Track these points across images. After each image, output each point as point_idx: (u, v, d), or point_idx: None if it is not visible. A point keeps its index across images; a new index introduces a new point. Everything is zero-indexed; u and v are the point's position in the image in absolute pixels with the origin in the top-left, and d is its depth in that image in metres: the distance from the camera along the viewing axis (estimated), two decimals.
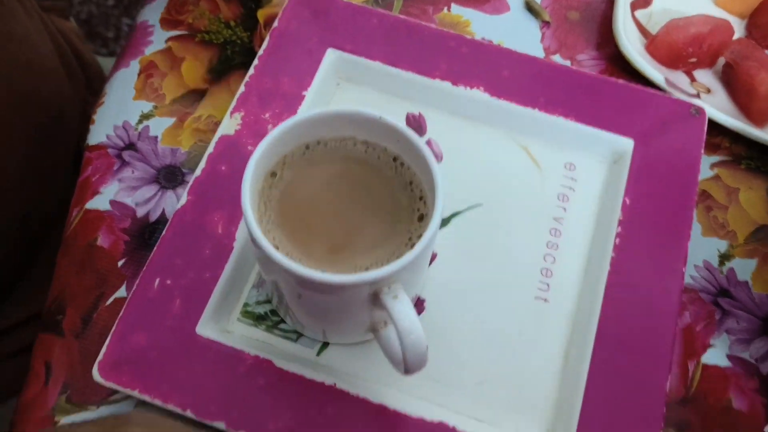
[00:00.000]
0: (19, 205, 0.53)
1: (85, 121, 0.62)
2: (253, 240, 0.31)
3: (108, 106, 0.45)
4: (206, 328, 0.36)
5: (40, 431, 0.34)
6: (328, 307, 0.33)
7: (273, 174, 0.34)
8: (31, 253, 0.57)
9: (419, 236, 0.33)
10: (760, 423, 0.36)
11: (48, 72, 0.55)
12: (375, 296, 0.31)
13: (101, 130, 0.44)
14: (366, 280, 0.30)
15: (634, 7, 0.48)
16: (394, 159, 0.35)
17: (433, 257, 0.40)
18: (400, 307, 0.30)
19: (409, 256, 0.30)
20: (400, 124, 0.34)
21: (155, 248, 0.38)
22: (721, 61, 0.46)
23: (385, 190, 0.34)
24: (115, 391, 0.36)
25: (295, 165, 0.35)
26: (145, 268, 0.37)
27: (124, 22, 1.31)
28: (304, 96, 0.43)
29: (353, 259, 0.33)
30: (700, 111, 0.43)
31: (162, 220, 0.41)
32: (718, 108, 0.44)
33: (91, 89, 0.65)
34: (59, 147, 0.58)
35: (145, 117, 0.44)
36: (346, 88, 0.45)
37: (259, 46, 0.47)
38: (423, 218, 0.33)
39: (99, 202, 0.41)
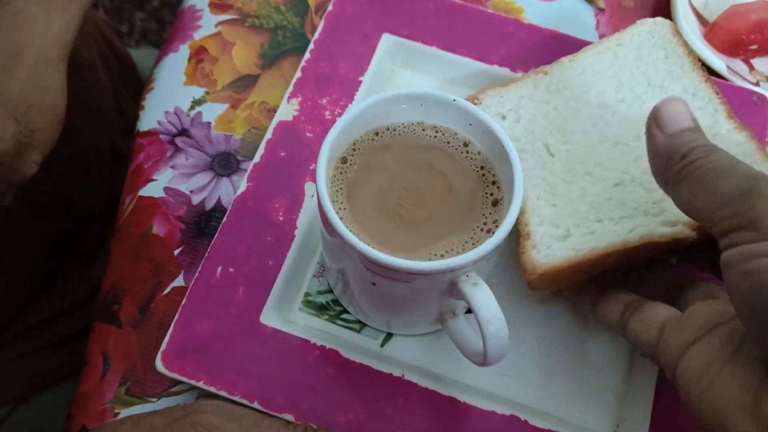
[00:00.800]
0: (58, 196, 0.53)
1: (121, 113, 0.61)
2: (331, 227, 0.30)
3: (158, 92, 0.44)
4: (270, 318, 0.36)
5: (105, 424, 0.33)
6: (403, 295, 0.32)
7: (344, 160, 0.33)
8: (71, 244, 0.56)
9: (495, 221, 0.32)
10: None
11: (83, 64, 0.54)
12: (452, 284, 0.30)
13: (152, 116, 0.43)
14: (448, 266, 0.29)
15: None
16: (465, 144, 0.34)
17: None
18: (481, 294, 0.30)
19: (490, 243, 0.29)
20: (475, 107, 0.33)
21: (217, 235, 0.37)
22: None
23: (456, 175, 0.33)
24: (177, 383, 0.35)
25: (365, 151, 0.34)
26: (206, 255, 0.36)
27: (137, 17, 1.30)
28: (360, 81, 0.42)
29: (428, 246, 0.32)
30: (762, 99, 0.42)
31: (218, 207, 0.40)
32: None
33: (123, 79, 0.65)
34: (96, 138, 0.57)
35: (197, 103, 0.43)
36: (401, 73, 0.44)
37: (311, 32, 0.46)
38: (497, 203, 0.32)
39: (153, 189, 0.40)
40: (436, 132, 0.34)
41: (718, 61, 0.44)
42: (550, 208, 0.35)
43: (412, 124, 0.34)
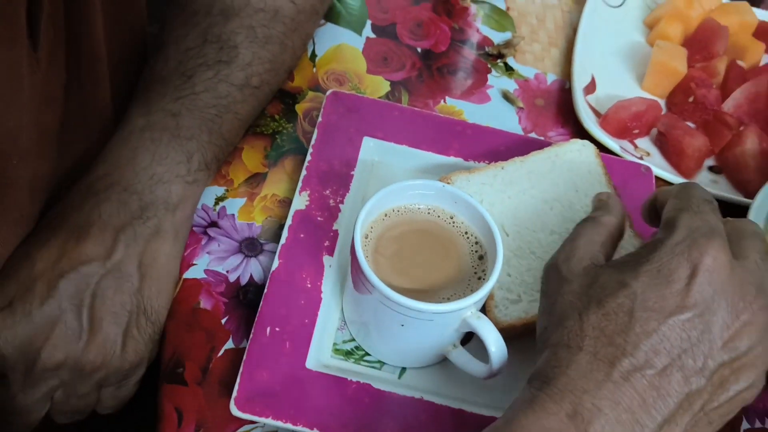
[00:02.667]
0: None
1: None
2: (372, 286, 0.41)
3: None
4: (312, 363, 0.45)
5: None
6: (424, 332, 0.43)
7: (366, 236, 0.44)
8: None
9: (483, 271, 0.44)
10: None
11: None
12: (462, 319, 0.42)
13: None
14: (461, 306, 0.41)
15: (585, 93, 0.62)
16: (451, 217, 0.46)
17: None
18: (485, 324, 0.41)
19: (487, 286, 0.41)
20: (458, 190, 0.45)
21: (262, 303, 0.46)
22: (654, 131, 0.61)
23: (448, 240, 0.45)
24: (243, 423, 0.44)
25: (379, 228, 0.45)
26: (257, 319, 0.46)
27: None
28: (352, 175, 0.53)
29: (438, 294, 0.43)
30: (647, 169, 0.57)
31: (251, 282, 0.50)
32: (657, 165, 0.59)
33: None
34: None
35: (220, 199, 0.53)
36: (380, 166, 0.55)
37: (302, 134, 0.57)
38: (483, 258, 0.44)
39: (195, 272, 0.49)
40: (429, 209, 0.46)
41: (612, 143, 0.59)
42: (506, 277, 0.48)
43: (411, 205, 0.46)
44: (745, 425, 0.49)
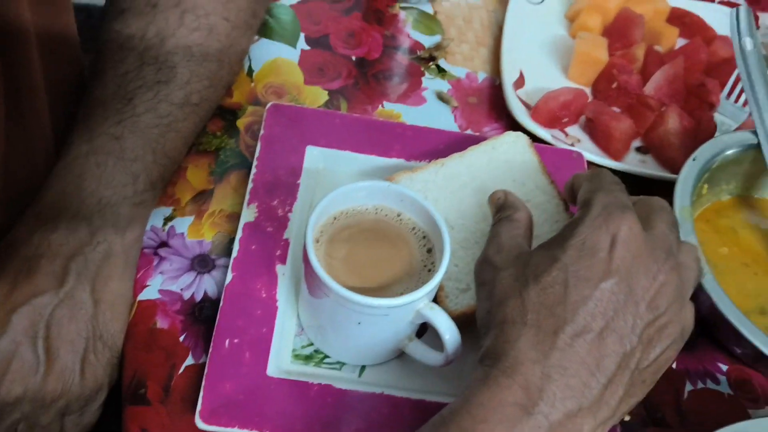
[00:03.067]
0: None
1: None
2: (327, 288, 0.42)
3: None
4: (273, 371, 0.46)
5: None
6: (380, 328, 0.44)
7: (317, 240, 0.45)
8: None
9: (432, 263, 0.45)
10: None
11: None
12: (416, 311, 0.43)
13: None
14: (414, 298, 0.42)
15: (514, 87, 0.65)
16: (398, 215, 0.47)
17: None
18: (439, 313, 0.43)
19: (437, 277, 0.43)
20: (403, 188, 0.47)
21: (218, 316, 0.47)
22: (582, 118, 0.64)
23: (397, 237, 0.47)
24: None
25: (329, 231, 0.46)
26: (215, 332, 0.46)
27: None
28: (298, 184, 0.54)
29: (390, 290, 0.44)
30: (578, 154, 0.60)
31: (206, 298, 0.50)
32: (588, 150, 0.62)
33: None
34: None
35: (168, 219, 0.53)
36: (326, 173, 0.57)
37: (245, 149, 0.58)
38: (431, 251, 0.46)
39: (149, 293, 0.50)
40: (377, 209, 0.48)
41: (543, 132, 0.61)
42: (454, 268, 0.50)
43: (359, 207, 0.47)
44: (688, 387, 0.52)
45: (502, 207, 0.46)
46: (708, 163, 0.55)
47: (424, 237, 0.47)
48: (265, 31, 0.66)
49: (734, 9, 0.60)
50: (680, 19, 0.73)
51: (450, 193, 0.53)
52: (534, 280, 0.39)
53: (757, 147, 0.57)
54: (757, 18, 0.82)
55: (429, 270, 0.45)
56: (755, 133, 0.57)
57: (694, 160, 0.55)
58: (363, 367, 0.48)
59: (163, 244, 0.52)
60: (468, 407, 0.36)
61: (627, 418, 0.46)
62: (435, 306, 0.43)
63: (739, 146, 0.57)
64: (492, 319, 0.40)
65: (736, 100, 0.67)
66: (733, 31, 0.60)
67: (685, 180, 0.53)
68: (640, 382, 0.39)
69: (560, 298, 0.38)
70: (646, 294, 0.38)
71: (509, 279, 0.40)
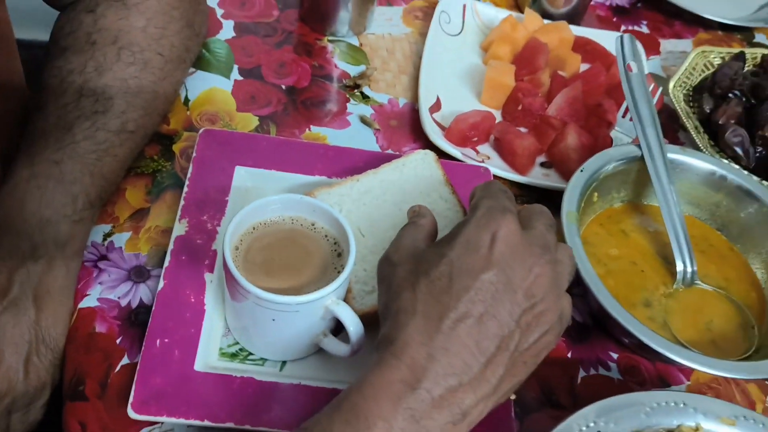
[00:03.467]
0: None
1: None
2: (244, 290, 0.47)
3: None
4: (200, 366, 0.51)
5: None
6: (294, 324, 0.50)
7: (236, 248, 0.51)
8: None
9: (341, 265, 0.51)
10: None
11: None
12: (325, 307, 0.49)
13: None
14: (321, 295, 0.47)
15: (431, 111, 0.71)
16: (312, 224, 0.53)
17: None
18: (344, 308, 0.48)
19: (342, 276, 0.48)
20: (316, 200, 0.53)
21: (151, 319, 0.52)
22: (492, 138, 0.71)
23: (311, 244, 0.52)
24: (142, 427, 0.49)
25: (248, 240, 0.52)
26: (147, 332, 0.51)
27: None
28: (227, 201, 0.60)
29: (304, 290, 0.50)
30: (486, 170, 0.66)
31: (141, 305, 0.55)
32: (496, 166, 0.68)
33: None
34: None
35: (107, 235, 0.58)
36: (253, 190, 0.62)
37: (180, 170, 0.63)
38: (341, 255, 0.52)
39: (89, 301, 0.54)
40: (293, 220, 0.53)
41: (455, 151, 0.68)
42: (362, 272, 0.55)
43: (276, 218, 0.53)
44: (582, 373, 0.58)
45: (413, 215, 0.51)
46: (595, 174, 0.62)
47: (335, 243, 0.52)
48: (201, 63, 0.72)
49: (618, 36, 0.68)
50: (583, 47, 0.81)
51: (363, 205, 0.59)
52: (424, 273, 0.44)
53: (642, 159, 0.64)
54: (658, 44, 0.91)
55: (338, 272, 0.51)
56: (639, 146, 0.64)
57: (582, 171, 0.61)
58: (284, 363, 0.54)
59: (103, 257, 0.57)
60: (359, 386, 0.42)
61: (513, 397, 0.52)
62: (341, 302, 0.49)
63: (624, 158, 0.64)
64: (389, 310, 0.45)
65: (632, 119, 0.74)
66: (619, 55, 0.67)
67: (572, 188, 0.60)
68: (522, 363, 0.45)
69: (446, 288, 0.43)
70: (522, 283, 0.44)
71: (404, 273, 0.45)
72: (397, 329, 0.43)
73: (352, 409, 0.40)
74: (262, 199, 0.52)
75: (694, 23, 0.94)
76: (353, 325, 0.48)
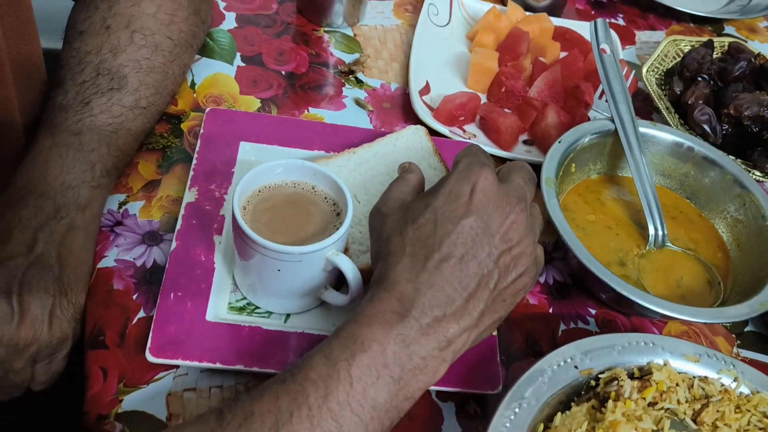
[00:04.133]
0: None
1: None
2: (253, 242, 0.52)
3: None
4: (211, 317, 0.55)
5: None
6: (298, 273, 0.54)
7: (244, 208, 0.56)
8: None
9: (340, 223, 0.56)
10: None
11: None
12: (326, 259, 0.53)
13: None
14: (322, 246, 0.52)
15: (421, 94, 0.77)
16: (313, 187, 0.58)
17: None
18: (343, 258, 0.53)
19: (341, 231, 0.53)
20: (316, 164, 0.58)
21: (165, 275, 0.56)
22: (478, 117, 0.76)
23: (312, 204, 0.57)
24: (159, 371, 0.53)
25: (254, 201, 0.56)
26: (162, 287, 0.56)
27: None
28: (233, 172, 0.65)
29: (308, 242, 0.54)
30: (472, 144, 0.71)
31: (155, 265, 0.60)
32: (482, 143, 0.73)
33: None
34: None
35: (122, 204, 0.63)
36: (257, 163, 0.67)
37: (188, 146, 0.68)
38: (339, 214, 0.57)
39: (107, 262, 0.59)
40: (295, 184, 0.58)
41: (443, 129, 0.73)
42: (358, 234, 0.60)
43: (280, 182, 0.58)
44: (562, 327, 0.63)
45: (401, 171, 0.56)
46: (572, 145, 0.67)
47: (334, 204, 0.57)
48: (206, 51, 0.77)
49: (592, 21, 0.73)
50: (563, 35, 0.87)
51: (359, 175, 0.64)
52: (411, 221, 0.49)
53: (616, 132, 0.69)
54: (633, 35, 0.96)
55: (337, 228, 0.56)
56: (613, 120, 0.69)
57: (559, 142, 0.66)
58: (288, 315, 0.58)
59: (119, 223, 0.62)
60: (355, 317, 0.46)
61: (495, 333, 0.56)
62: (341, 254, 0.53)
63: (599, 131, 0.69)
64: (380, 255, 0.50)
65: (606, 100, 0.79)
66: (593, 39, 0.73)
67: (551, 158, 0.65)
68: (501, 301, 0.50)
69: (431, 233, 0.48)
70: (500, 228, 0.49)
71: (392, 222, 0.50)
72: (388, 269, 0.48)
73: (350, 336, 0.45)
74: (266, 163, 0.57)
75: (668, 16, 1.00)
76: (352, 272, 0.53)
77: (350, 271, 0.53)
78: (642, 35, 0.96)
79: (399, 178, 0.55)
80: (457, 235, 0.48)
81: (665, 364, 0.53)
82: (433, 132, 0.72)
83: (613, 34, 0.75)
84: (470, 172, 0.50)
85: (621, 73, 0.71)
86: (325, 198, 0.58)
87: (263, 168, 0.56)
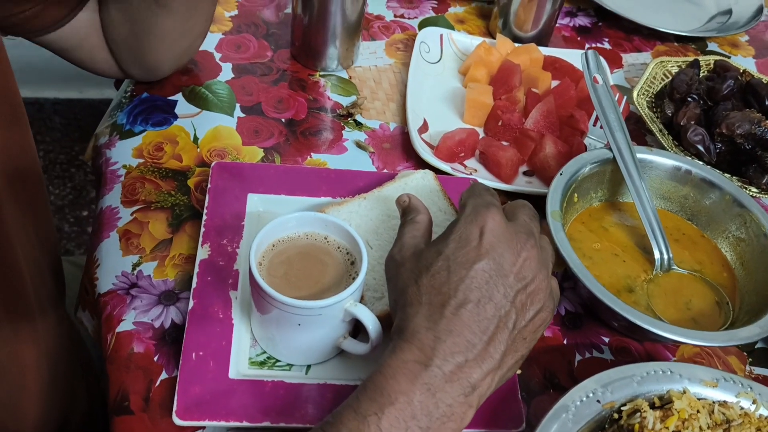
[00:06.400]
0: None
1: None
2: (271, 298, 0.52)
3: (104, 266, 0.64)
4: (234, 374, 0.56)
5: None
6: (317, 327, 0.55)
7: (260, 264, 0.56)
8: None
9: (356, 272, 0.57)
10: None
11: None
12: (345, 310, 0.54)
13: (106, 282, 0.62)
14: (341, 298, 0.53)
15: (419, 132, 0.78)
16: (325, 238, 0.59)
17: None
18: (362, 309, 0.54)
19: (358, 281, 0.54)
20: (328, 215, 0.58)
21: (185, 335, 0.57)
22: (477, 152, 0.78)
23: (325, 255, 0.58)
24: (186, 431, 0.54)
25: (269, 255, 0.57)
26: (183, 347, 0.56)
27: None
28: (243, 225, 0.66)
29: (324, 295, 0.55)
30: (474, 181, 0.73)
31: (173, 324, 0.60)
32: (484, 178, 0.74)
33: None
34: None
35: (136, 265, 0.63)
36: (265, 215, 0.68)
37: (196, 202, 0.69)
38: (354, 263, 0.57)
39: (125, 326, 0.59)
40: (307, 235, 0.59)
41: (445, 166, 0.74)
42: (372, 281, 0.61)
43: (293, 234, 0.59)
44: (578, 357, 0.63)
45: (406, 210, 0.57)
46: (574, 176, 0.68)
47: (347, 253, 0.58)
48: (206, 104, 0.79)
49: (584, 52, 0.75)
50: (553, 65, 0.88)
51: (370, 220, 0.65)
52: (425, 270, 0.50)
53: (614, 160, 0.70)
54: (620, 58, 0.98)
55: (353, 278, 0.56)
56: (611, 149, 0.71)
57: (561, 174, 0.68)
58: (309, 367, 0.59)
59: (134, 285, 0.62)
60: (380, 369, 0.47)
61: (519, 372, 0.57)
62: (359, 304, 0.54)
63: (598, 161, 0.70)
64: (398, 305, 0.51)
65: (602, 126, 0.81)
66: (584, 69, 0.74)
67: (554, 190, 0.66)
68: (521, 339, 0.51)
69: (445, 280, 0.49)
70: (513, 267, 0.50)
71: (407, 272, 0.51)
72: (407, 319, 0.49)
73: (376, 389, 0.46)
74: (279, 217, 0.58)
75: (652, 37, 1.03)
76: (371, 323, 0.54)
77: (370, 321, 0.54)
78: (629, 57, 0.98)
79: (409, 222, 0.56)
80: (471, 279, 0.49)
81: (684, 392, 0.54)
82: (434, 170, 0.73)
83: (603, 62, 0.76)
84: (477, 215, 0.52)
85: (614, 101, 0.73)
86: (338, 248, 0.58)
87: (277, 223, 0.57)
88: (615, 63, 0.97)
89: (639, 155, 0.71)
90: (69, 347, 0.71)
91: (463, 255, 0.50)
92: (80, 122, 2.09)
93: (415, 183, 0.69)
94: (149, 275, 0.63)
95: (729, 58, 1.00)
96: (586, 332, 0.66)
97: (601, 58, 0.77)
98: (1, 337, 0.60)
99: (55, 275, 0.71)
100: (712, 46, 1.04)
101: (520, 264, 0.50)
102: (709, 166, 0.73)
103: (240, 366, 0.58)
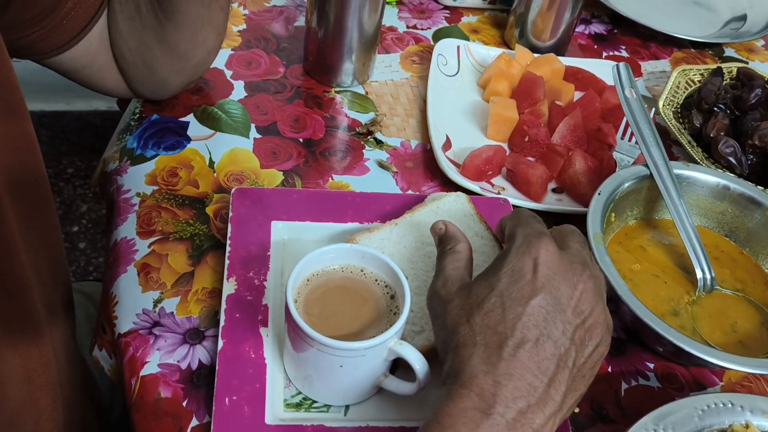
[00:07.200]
0: None
1: None
2: (312, 340, 0.49)
3: (123, 304, 0.60)
4: (270, 419, 0.52)
5: None
6: (360, 368, 0.52)
7: (295, 301, 0.53)
8: None
9: (396, 307, 0.53)
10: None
11: None
12: (389, 349, 0.51)
13: (126, 321, 0.58)
14: (385, 338, 0.50)
15: (443, 150, 0.75)
16: (362, 270, 0.56)
17: None
18: (408, 348, 0.51)
19: (402, 318, 0.51)
20: (364, 246, 0.55)
21: (216, 379, 0.53)
22: (504, 169, 0.75)
23: (363, 289, 0.55)
24: None
25: (304, 292, 0.54)
26: (215, 392, 0.52)
27: None
28: (269, 255, 0.62)
29: (364, 334, 0.52)
30: (505, 200, 0.70)
31: (201, 365, 0.56)
32: (512, 196, 0.72)
33: None
34: None
35: (157, 302, 0.60)
36: (290, 243, 0.65)
37: (216, 231, 0.65)
38: (393, 297, 0.54)
39: (149, 369, 0.56)
40: (343, 268, 0.56)
41: (473, 186, 0.71)
42: (410, 313, 0.58)
43: (327, 268, 0.55)
44: (624, 386, 0.61)
45: (443, 238, 0.54)
46: (611, 195, 0.66)
47: (386, 286, 0.55)
48: (220, 126, 0.75)
49: (615, 65, 0.72)
50: (574, 75, 0.86)
51: (403, 248, 0.62)
52: (477, 307, 0.47)
53: (650, 177, 0.68)
54: (639, 66, 0.96)
55: (394, 313, 0.53)
56: (647, 165, 0.68)
57: (599, 194, 0.65)
58: (347, 407, 0.56)
59: (156, 324, 0.59)
60: (437, 418, 0.44)
61: (576, 410, 0.54)
62: (404, 342, 0.51)
63: (635, 178, 0.68)
64: (448, 345, 0.48)
65: (630, 140, 0.79)
66: (617, 83, 0.72)
67: (594, 211, 0.63)
68: (581, 377, 0.48)
69: (500, 318, 0.46)
70: (570, 301, 0.47)
71: (456, 309, 0.48)
72: (461, 363, 0.46)
73: None
74: (314, 251, 0.54)
75: (668, 43, 1.00)
76: (419, 363, 0.50)
77: (417, 362, 0.50)
78: (647, 65, 0.96)
79: (449, 252, 0.53)
80: (528, 317, 0.46)
81: (748, 426, 0.52)
82: (460, 189, 0.70)
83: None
84: (530, 246, 0.49)
85: (648, 115, 0.70)
86: (376, 280, 0.55)
87: (311, 256, 0.54)
88: (634, 71, 0.94)
89: (676, 171, 0.68)
90: (82, 389, 0.67)
91: (518, 290, 0.47)
92: (68, 135, 2.03)
93: (448, 207, 0.66)
94: (172, 312, 0.59)
95: (747, 63, 0.98)
96: (630, 358, 0.63)
97: (631, 71, 0.74)
98: (15, 381, 0.56)
99: (66, 308, 0.67)
100: (729, 51, 1.02)
101: (578, 297, 0.48)
102: (747, 182, 0.70)
103: (275, 410, 0.54)
